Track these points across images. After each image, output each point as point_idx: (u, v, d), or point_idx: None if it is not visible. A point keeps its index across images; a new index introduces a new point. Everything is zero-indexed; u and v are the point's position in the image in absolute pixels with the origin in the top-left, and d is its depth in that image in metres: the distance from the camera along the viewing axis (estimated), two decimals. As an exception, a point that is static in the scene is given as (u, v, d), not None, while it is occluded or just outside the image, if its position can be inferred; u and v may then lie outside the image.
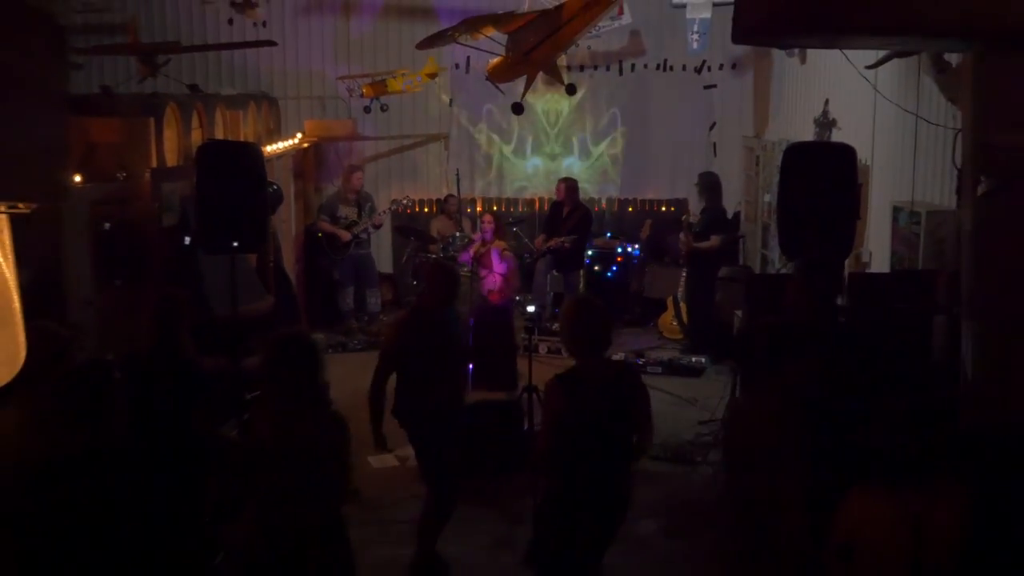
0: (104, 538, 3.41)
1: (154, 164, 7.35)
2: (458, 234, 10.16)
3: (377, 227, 10.41)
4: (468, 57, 11.19)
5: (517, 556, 4.68)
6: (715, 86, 11.45)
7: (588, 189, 11.68)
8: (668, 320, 10.10)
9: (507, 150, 11.93)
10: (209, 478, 4.19)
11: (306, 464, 3.73)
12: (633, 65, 11.59)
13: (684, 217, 10.17)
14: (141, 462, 3.56)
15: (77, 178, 6.67)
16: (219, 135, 8.87)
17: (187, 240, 7.29)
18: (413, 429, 5.23)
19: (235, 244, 6.01)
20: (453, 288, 5.29)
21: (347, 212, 10.11)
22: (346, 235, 9.99)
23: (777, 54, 10.34)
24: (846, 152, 5.61)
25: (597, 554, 4.34)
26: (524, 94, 9.17)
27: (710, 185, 9.60)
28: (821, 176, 5.46)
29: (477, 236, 9.80)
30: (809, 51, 9.18)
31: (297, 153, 10.52)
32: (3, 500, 3.40)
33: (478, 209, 11.12)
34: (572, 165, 11.84)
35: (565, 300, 4.44)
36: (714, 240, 9.27)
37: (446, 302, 5.27)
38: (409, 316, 5.39)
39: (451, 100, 11.70)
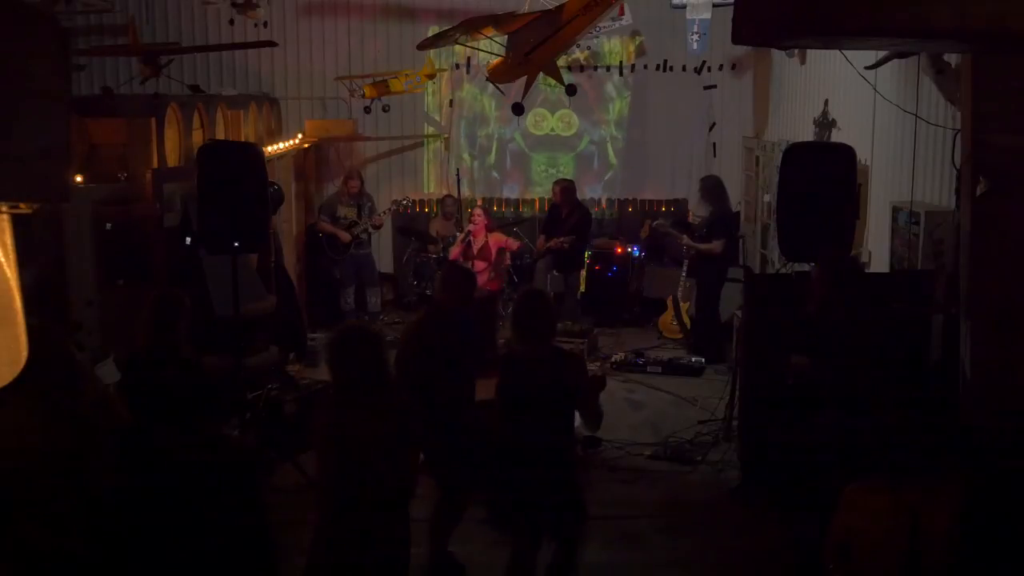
0: (111, 537, 3.43)
1: (155, 164, 7.37)
2: (458, 234, 10.19)
3: (377, 227, 10.41)
4: (469, 57, 11.22)
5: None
6: (715, 86, 11.46)
7: (587, 189, 11.72)
8: (668, 320, 10.11)
9: (507, 150, 11.95)
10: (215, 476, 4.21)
11: (371, 456, 3.72)
12: (633, 66, 11.62)
13: (656, 223, 10.19)
14: (144, 460, 3.58)
15: (79, 179, 6.70)
16: (220, 135, 8.88)
17: (188, 240, 7.31)
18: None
19: (236, 244, 6.02)
20: (470, 288, 5.39)
21: (346, 212, 10.12)
22: (346, 236, 10.01)
23: (777, 54, 10.35)
24: (846, 152, 5.63)
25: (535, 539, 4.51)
26: (524, 94, 9.18)
27: (713, 188, 9.57)
28: (821, 176, 5.48)
29: (472, 227, 9.77)
30: (809, 52, 9.19)
31: (298, 153, 10.53)
32: (13, 495, 3.43)
33: (479, 205, 11.13)
34: (571, 166, 11.87)
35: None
36: (715, 245, 9.19)
37: (463, 302, 5.31)
38: (426, 317, 5.39)
39: (451, 100, 11.72)
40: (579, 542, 4.61)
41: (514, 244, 9.92)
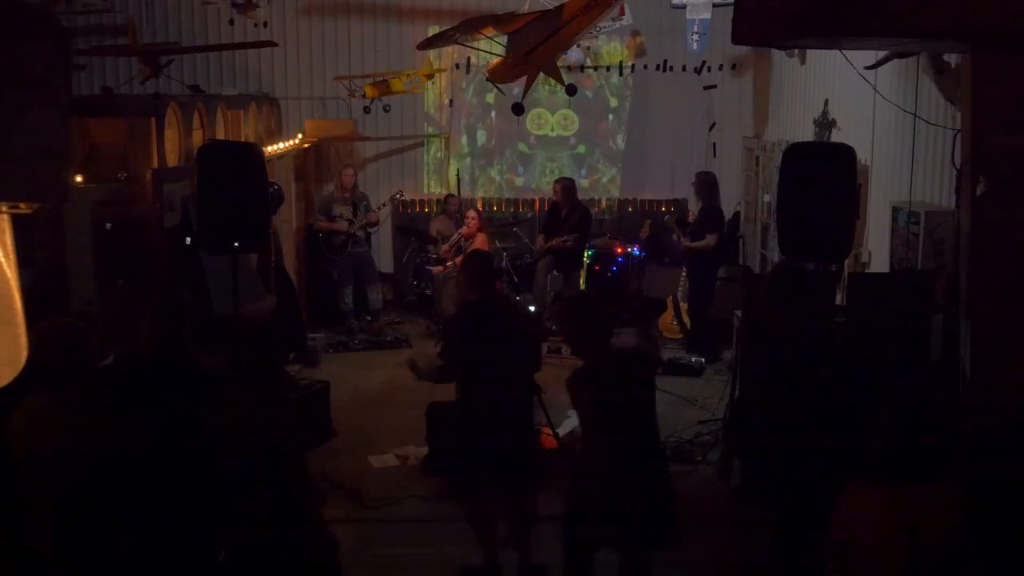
0: (110, 534, 3.44)
1: (156, 164, 7.37)
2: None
3: (374, 224, 10.42)
4: (468, 57, 11.22)
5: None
6: (715, 86, 11.47)
7: (588, 189, 11.73)
8: (668, 320, 10.12)
9: (507, 150, 11.96)
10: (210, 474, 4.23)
11: (268, 451, 3.80)
12: (633, 66, 11.62)
13: (667, 218, 10.28)
14: (144, 460, 3.60)
15: (79, 179, 6.70)
16: (220, 135, 8.88)
17: (188, 240, 7.31)
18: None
19: (236, 244, 6.02)
20: (487, 272, 5.27)
21: (342, 211, 10.13)
22: (343, 225, 10.02)
23: (777, 54, 10.36)
24: (846, 152, 5.62)
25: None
26: (524, 94, 9.19)
27: (706, 184, 9.62)
28: (821, 176, 5.47)
29: (466, 229, 9.90)
30: (809, 52, 9.20)
31: (298, 153, 10.54)
32: (20, 487, 3.45)
33: (479, 208, 11.15)
34: (571, 165, 11.88)
35: (560, 301, 4.45)
36: (709, 239, 9.28)
37: (483, 288, 5.21)
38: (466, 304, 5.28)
39: (451, 100, 11.73)
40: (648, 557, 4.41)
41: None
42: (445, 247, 9.94)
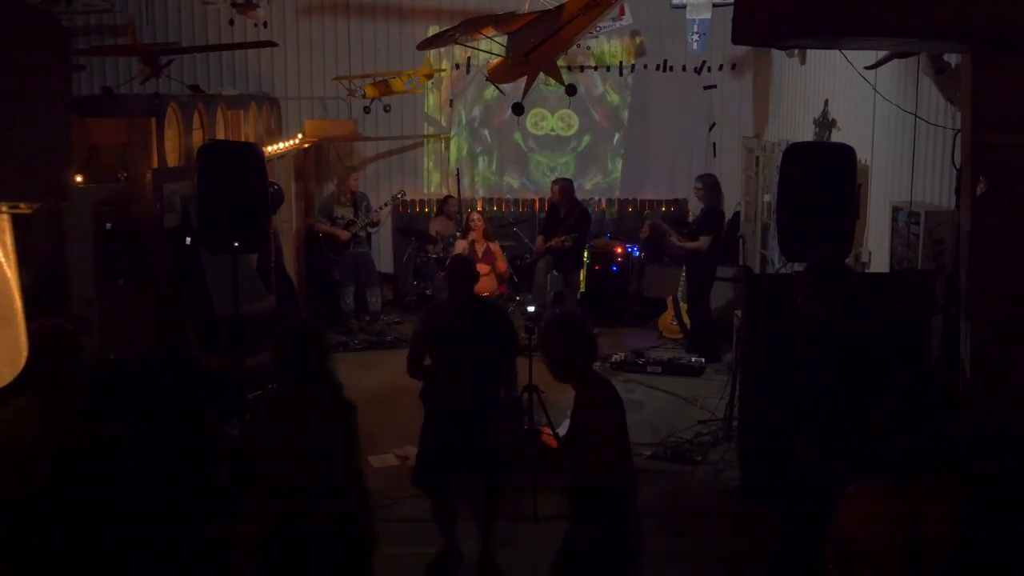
0: (113, 534, 3.44)
1: (156, 164, 7.37)
2: (458, 234, 10.20)
3: (375, 225, 10.42)
4: (468, 57, 11.23)
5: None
6: (715, 86, 11.47)
7: (587, 189, 11.73)
8: (668, 320, 10.12)
9: (507, 150, 11.96)
10: (216, 475, 4.23)
11: (317, 452, 3.78)
12: (633, 66, 11.62)
13: (647, 213, 10.30)
14: (147, 460, 3.60)
15: (79, 179, 6.70)
16: (220, 135, 8.89)
17: (188, 240, 7.31)
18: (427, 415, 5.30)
19: (236, 244, 6.03)
20: (462, 280, 5.33)
21: (343, 212, 10.13)
22: (345, 234, 10.02)
23: (777, 54, 10.36)
24: (846, 152, 5.63)
25: None
26: (525, 94, 9.19)
27: (709, 186, 9.61)
28: (821, 176, 5.48)
29: (472, 236, 9.85)
30: (809, 52, 9.20)
31: (298, 153, 10.54)
32: (15, 490, 3.45)
33: (478, 209, 11.15)
34: (571, 166, 11.88)
35: (542, 326, 4.22)
36: (702, 241, 9.27)
37: (460, 294, 5.28)
38: (436, 304, 5.35)
39: (451, 100, 11.73)
40: None
41: (502, 266, 9.83)
42: (462, 242, 9.82)
